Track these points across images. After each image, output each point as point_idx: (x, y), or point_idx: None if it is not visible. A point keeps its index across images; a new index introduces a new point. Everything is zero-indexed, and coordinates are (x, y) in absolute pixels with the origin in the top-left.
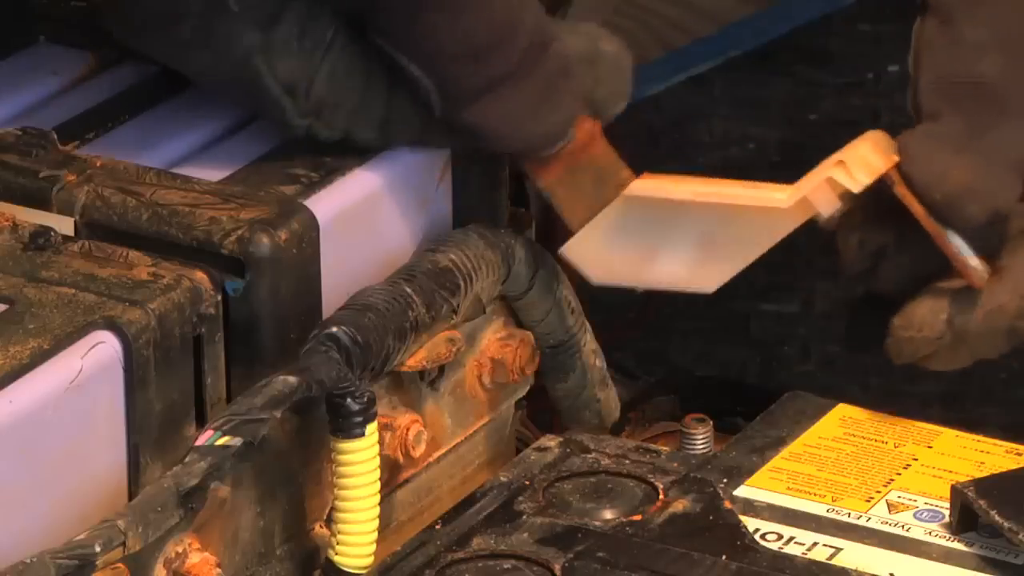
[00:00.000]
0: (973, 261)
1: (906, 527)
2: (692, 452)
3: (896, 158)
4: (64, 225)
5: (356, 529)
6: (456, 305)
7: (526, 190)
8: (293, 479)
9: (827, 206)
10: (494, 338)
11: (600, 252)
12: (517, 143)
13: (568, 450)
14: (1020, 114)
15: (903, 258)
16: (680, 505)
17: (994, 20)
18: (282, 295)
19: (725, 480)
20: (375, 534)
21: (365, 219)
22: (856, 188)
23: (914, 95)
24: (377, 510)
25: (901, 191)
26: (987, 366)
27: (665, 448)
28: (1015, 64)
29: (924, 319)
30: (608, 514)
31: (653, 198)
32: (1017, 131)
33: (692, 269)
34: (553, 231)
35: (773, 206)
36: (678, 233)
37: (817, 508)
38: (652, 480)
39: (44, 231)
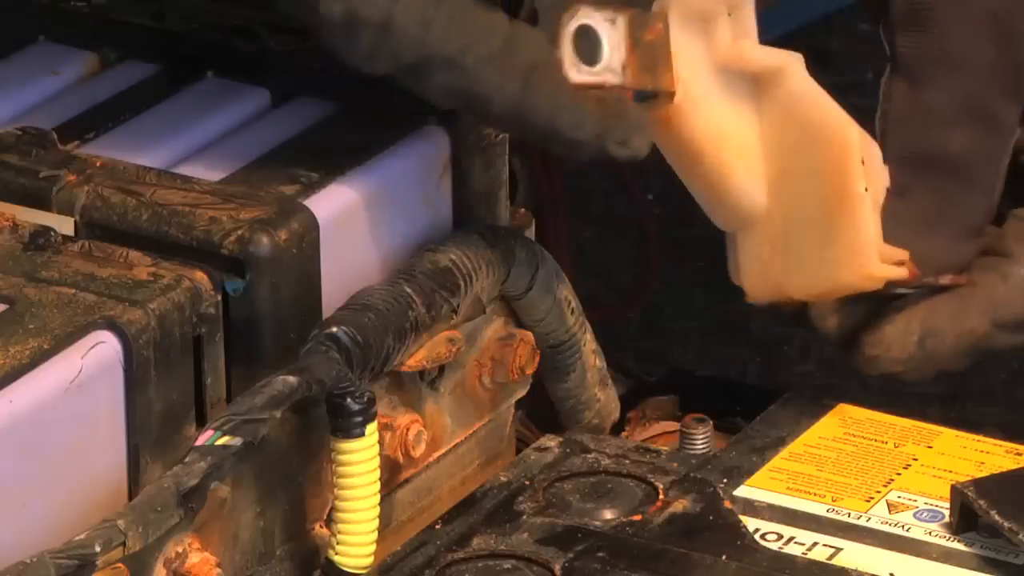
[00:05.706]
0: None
1: (906, 527)
2: (692, 452)
3: None
4: (64, 225)
5: (356, 529)
6: (456, 305)
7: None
8: (293, 479)
9: None
10: (494, 338)
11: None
12: None
13: (568, 450)
14: (984, 185)
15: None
16: (680, 505)
17: (961, 89)
18: (282, 295)
19: (725, 480)
20: (375, 534)
21: (365, 219)
22: None
23: None
24: (377, 510)
25: None
26: (987, 366)
27: (665, 448)
28: (981, 136)
29: (894, 339)
30: (608, 514)
31: None
32: (980, 201)
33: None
34: (553, 230)
35: None
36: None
37: (817, 508)
38: (652, 480)
39: (44, 231)
